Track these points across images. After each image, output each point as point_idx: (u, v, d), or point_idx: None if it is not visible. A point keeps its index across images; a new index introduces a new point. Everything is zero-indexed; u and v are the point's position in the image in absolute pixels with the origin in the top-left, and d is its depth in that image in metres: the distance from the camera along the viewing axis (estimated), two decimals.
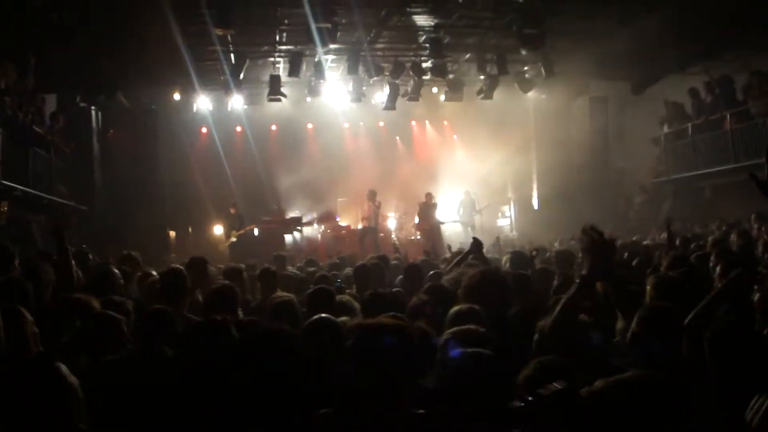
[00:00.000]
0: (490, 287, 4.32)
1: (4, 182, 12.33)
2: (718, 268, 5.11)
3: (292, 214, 21.40)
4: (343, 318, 4.25)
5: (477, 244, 7.53)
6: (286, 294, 5.87)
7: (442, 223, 20.69)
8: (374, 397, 2.82)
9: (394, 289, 6.26)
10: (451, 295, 4.57)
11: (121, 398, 3.06)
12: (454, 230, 20.71)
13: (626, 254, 8.32)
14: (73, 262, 6.66)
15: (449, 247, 13.11)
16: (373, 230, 19.07)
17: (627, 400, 1.86)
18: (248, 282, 7.89)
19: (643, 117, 19.95)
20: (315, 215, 21.62)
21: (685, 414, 2.33)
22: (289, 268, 10.05)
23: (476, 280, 4.41)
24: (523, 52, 14.72)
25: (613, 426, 1.86)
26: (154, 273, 7.47)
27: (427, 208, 20.36)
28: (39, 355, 2.75)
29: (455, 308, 3.85)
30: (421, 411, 2.96)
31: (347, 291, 6.23)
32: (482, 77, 18.04)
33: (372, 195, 19.21)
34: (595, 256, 3.35)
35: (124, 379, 3.25)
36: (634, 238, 13.63)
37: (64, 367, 2.46)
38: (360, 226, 20.36)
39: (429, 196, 20.53)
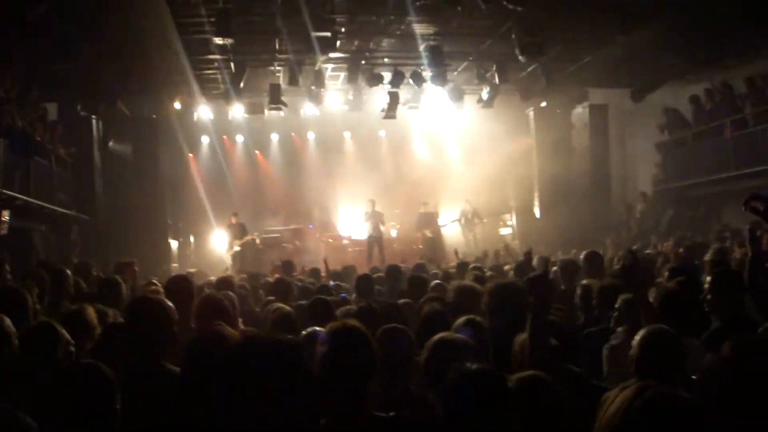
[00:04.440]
0: (511, 297, 4.25)
1: (6, 191, 12.31)
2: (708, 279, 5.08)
3: (293, 224, 21.37)
4: None
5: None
6: (284, 305, 5.84)
7: (443, 225, 20.63)
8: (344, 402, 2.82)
9: (402, 300, 6.12)
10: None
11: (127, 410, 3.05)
12: (457, 239, 20.63)
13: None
14: (69, 273, 6.67)
15: (456, 252, 12.93)
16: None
17: None
18: (251, 292, 7.87)
19: (644, 124, 19.93)
20: (316, 225, 21.64)
21: None
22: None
23: (495, 291, 4.36)
24: (522, 60, 14.69)
25: None
26: (156, 282, 7.46)
27: (426, 216, 20.34)
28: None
29: (459, 320, 3.84)
30: (392, 413, 2.95)
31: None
32: (482, 86, 18.02)
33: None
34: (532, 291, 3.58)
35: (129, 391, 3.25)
36: (634, 247, 13.54)
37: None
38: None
39: (428, 204, 20.52)
